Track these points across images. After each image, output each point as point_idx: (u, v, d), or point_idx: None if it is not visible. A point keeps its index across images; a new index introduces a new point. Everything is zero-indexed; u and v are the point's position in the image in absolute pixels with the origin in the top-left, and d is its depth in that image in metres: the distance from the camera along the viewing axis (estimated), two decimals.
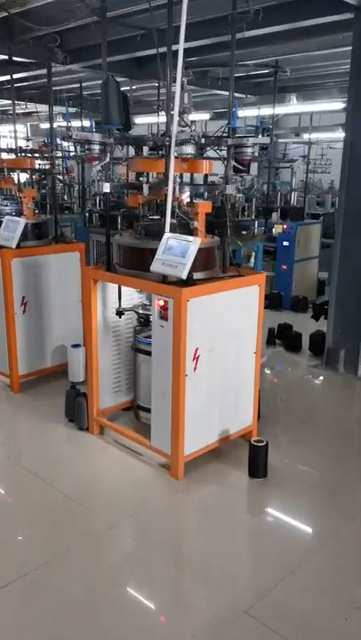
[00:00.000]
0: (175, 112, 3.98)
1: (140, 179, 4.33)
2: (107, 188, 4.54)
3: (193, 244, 4.08)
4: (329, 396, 6.45)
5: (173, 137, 4.03)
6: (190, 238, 4.16)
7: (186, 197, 4.45)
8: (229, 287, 4.53)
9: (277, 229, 9.47)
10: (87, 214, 9.65)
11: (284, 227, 9.57)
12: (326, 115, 11.41)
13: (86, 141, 4.31)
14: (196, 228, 4.46)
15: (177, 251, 4.15)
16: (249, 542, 3.97)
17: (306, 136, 11.86)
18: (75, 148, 7.83)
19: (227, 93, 10.67)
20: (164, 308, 4.26)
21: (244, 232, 7.68)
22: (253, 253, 8.38)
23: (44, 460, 4.83)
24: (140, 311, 4.90)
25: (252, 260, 8.51)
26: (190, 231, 4.51)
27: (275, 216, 9.87)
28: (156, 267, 4.21)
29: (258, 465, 4.51)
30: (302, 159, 11.09)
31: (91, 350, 5.04)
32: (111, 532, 3.87)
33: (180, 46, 3.94)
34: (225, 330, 4.58)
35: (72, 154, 9.14)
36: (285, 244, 9.68)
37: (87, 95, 11.52)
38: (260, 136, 4.42)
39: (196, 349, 4.35)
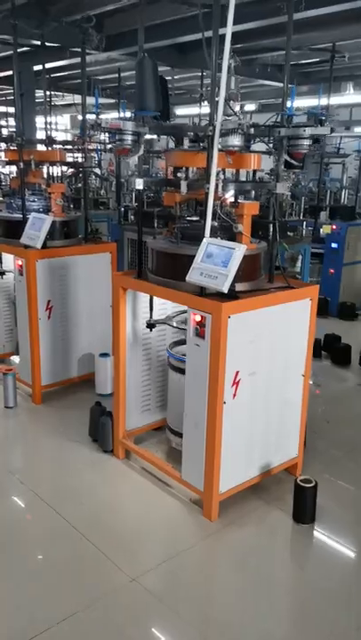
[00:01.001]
0: (221, 97, 3.38)
1: (178, 174, 3.75)
2: (139, 184, 3.98)
3: (237, 252, 3.49)
4: None
5: (218, 126, 3.44)
6: (234, 245, 3.57)
7: (229, 197, 3.85)
8: (277, 301, 3.92)
9: (326, 230, 8.76)
10: (122, 210, 9.12)
11: (334, 227, 8.85)
12: None
13: (117, 130, 3.75)
14: (241, 232, 3.86)
15: (218, 259, 3.56)
16: (292, 606, 3.36)
17: (358, 129, 11.05)
18: (109, 139, 7.31)
19: (275, 84, 10.00)
20: (201, 324, 3.69)
21: (290, 233, 7.02)
22: (300, 257, 7.71)
23: (61, 489, 4.32)
24: (175, 324, 4.33)
25: (299, 263, 7.83)
26: (233, 236, 3.92)
27: (323, 216, 9.16)
28: (193, 277, 3.63)
29: (304, 509, 3.89)
30: (355, 154, 10.30)
31: (118, 365, 4.50)
32: (133, 586, 3.33)
33: (230, 19, 3.35)
34: (270, 350, 3.97)
35: (108, 146, 8.63)
36: (334, 245, 8.96)
37: (127, 85, 11.00)
38: (318, 126, 3.68)
39: (237, 373, 3.76)
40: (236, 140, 3.48)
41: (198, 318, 3.70)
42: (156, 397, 4.89)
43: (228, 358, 3.65)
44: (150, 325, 4.42)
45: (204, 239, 3.66)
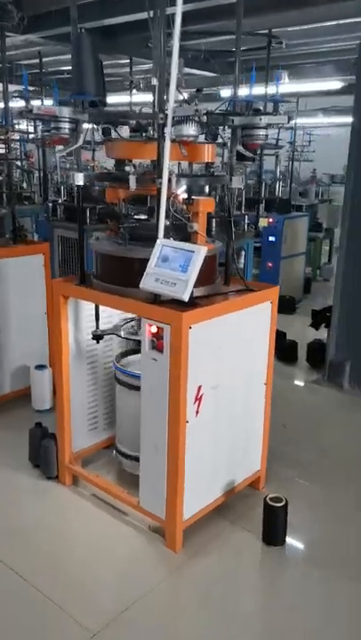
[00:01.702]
0: (172, 81, 2.98)
1: (127, 168, 3.31)
2: (79, 179, 3.51)
3: (197, 255, 3.11)
4: (340, 420, 5.55)
5: (170, 113, 3.03)
6: (193, 247, 3.19)
7: (182, 193, 3.46)
8: (238, 307, 3.58)
9: (263, 223, 8.55)
10: (50, 206, 8.51)
11: (270, 220, 8.66)
12: (310, 98, 10.52)
13: (52, 118, 3.26)
14: (196, 231, 3.48)
15: (175, 263, 3.17)
16: None
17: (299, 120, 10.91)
18: (34, 128, 6.70)
19: (206, 73, 9.65)
20: (158, 336, 3.28)
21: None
22: (243, 252, 7.44)
23: None
24: (124, 335, 3.90)
25: (242, 259, 7.57)
26: (187, 235, 3.54)
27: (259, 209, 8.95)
28: (147, 283, 3.22)
29: (275, 530, 3.60)
30: (289, 146, 10.18)
31: (61, 383, 4.02)
32: None
33: None
34: (232, 359, 3.63)
35: (31, 136, 8.00)
36: (271, 239, 8.77)
37: (49, 71, 10.31)
38: (276, 114, 3.34)
39: (199, 388, 3.40)
40: (191, 129, 3.08)
41: (154, 330, 3.30)
42: (104, 414, 4.45)
43: (190, 372, 3.28)
44: (97, 337, 3.97)
45: (158, 240, 3.26)
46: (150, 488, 3.58)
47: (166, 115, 3.06)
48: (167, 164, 3.12)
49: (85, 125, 3.54)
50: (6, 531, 3.74)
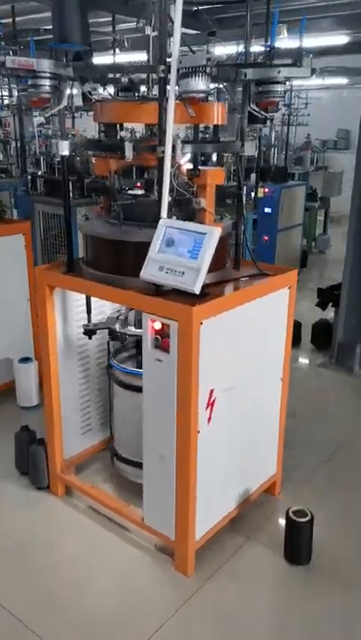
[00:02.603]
0: (177, 19, 2.42)
1: (122, 133, 2.77)
2: (64, 148, 2.95)
3: (210, 238, 2.60)
4: (353, 408, 5.13)
5: (175, 63, 2.48)
6: (203, 227, 2.68)
7: (186, 162, 2.93)
8: (254, 295, 3.09)
9: (259, 194, 8.00)
10: (29, 178, 7.87)
11: (266, 190, 8.10)
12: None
13: (29, 73, 2.68)
14: (204, 208, 2.97)
15: (183, 248, 2.66)
16: None
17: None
18: (9, 92, 6.01)
19: (188, 31, 8.92)
20: (163, 333, 2.79)
21: (228, 201, 6.16)
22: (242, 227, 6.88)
23: None
24: (119, 329, 3.39)
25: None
26: (191, 213, 3.03)
27: (252, 178, 8.39)
28: (149, 272, 2.72)
29: (298, 548, 3.18)
30: (285, 109, 9.56)
31: (49, 385, 3.52)
32: None
33: None
34: (247, 355, 3.16)
35: (5, 101, 7.29)
36: (268, 210, 8.22)
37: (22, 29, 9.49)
38: (299, 65, 2.79)
39: (212, 391, 2.93)
40: (201, 84, 2.53)
41: (158, 326, 2.80)
42: (98, 414, 3.97)
43: (202, 375, 2.80)
44: (89, 332, 3.46)
45: (161, 220, 2.74)
46: (156, 503, 3.14)
47: (169, 66, 2.51)
48: (171, 127, 2.58)
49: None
50: None
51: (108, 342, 3.59)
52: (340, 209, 11.90)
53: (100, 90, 3.01)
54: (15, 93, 6.38)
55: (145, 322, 2.85)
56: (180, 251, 2.66)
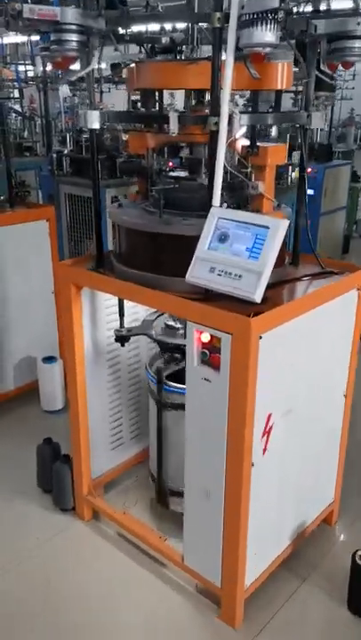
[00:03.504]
0: None
1: (167, 101, 2.24)
2: (94, 120, 2.43)
3: (275, 233, 2.08)
4: None
5: (236, 7, 1.94)
6: (266, 219, 2.15)
7: (242, 138, 2.40)
8: (320, 300, 2.55)
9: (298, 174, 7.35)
10: (55, 157, 7.35)
11: (309, 171, 7.45)
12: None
13: (52, 26, 2.16)
14: (262, 194, 2.44)
15: (239, 244, 2.15)
16: None
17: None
18: (31, 58, 5.45)
19: None
20: (213, 348, 2.29)
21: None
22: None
23: None
24: (157, 336, 2.90)
25: None
26: (242, 199, 2.51)
27: (294, 156, 7.74)
28: (197, 274, 2.21)
29: None
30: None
31: (75, 395, 3.06)
32: None
33: None
34: (308, 371, 2.64)
35: (30, 74, 6.77)
36: (310, 192, 7.58)
37: None
38: None
39: (269, 416, 2.43)
40: (269, 34, 1.97)
41: (207, 338, 2.30)
42: (130, 426, 3.52)
43: (259, 397, 2.30)
44: (121, 339, 2.98)
45: (212, 209, 2.23)
46: (198, 543, 2.68)
47: (227, 13, 1.97)
48: (228, 92, 2.05)
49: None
50: (6, 589, 2.87)
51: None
52: None
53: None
54: (39, 61, 5.85)
55: (190, 333, 2.35)
56: (236, 248, 2.14)
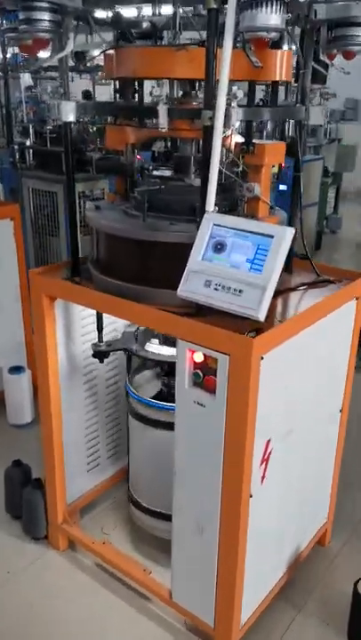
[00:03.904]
0: None
1: (155, 91, 1.97)
2: (69, 112, 2.14)
3: (279, 242, 1.85)
4: None
5: None
6: (268, 227, 1.91)
7: (235, 134, 2.15)
8: (321, 314, 2.34)
9: (273, 170, 7.15)
10: (16, 149, 6.94)
11: (283, 165, 7.27)
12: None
13: (22, 2, 1.87)
14: (258, 197, 2.21)
15: (239, 255, 1.91)
16: None
17: None
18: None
19: None
20: (207, 369, 2.05)
21: None
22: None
23: None
24: (140, 352, 2.64)
25: None
26: (233, 202, 2.28)
27: None
28: (192, 290, 1.96)
29: None
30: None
31: (50, 416, 2.78)
32: None
33: None
34: (306, 389, 2.43)
35: None
36: (283, 188, 7.40)
37: None
38: None
39: (268, 442, 2.20)
40: (274, 17, 1.72)
41: (200, 358, 2.06)
42: (107, 445, 3.25)
43: (258, 422, 2.07)
44: (100, 354, 2.71)
45: (207, 215, 1.98)
46: (189, 579, 2.44)
47: None
48: (226, 82, 1.80)
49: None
50: None
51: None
52: (350, 185, 11.16)
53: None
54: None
55: (181, 352, 2.10)
56: (235, 259, 1.90)
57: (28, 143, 6.65)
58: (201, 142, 2.38)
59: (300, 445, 2.48)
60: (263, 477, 2.24)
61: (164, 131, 1.95)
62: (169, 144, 2.75)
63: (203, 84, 1.94)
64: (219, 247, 1.93)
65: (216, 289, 1.90)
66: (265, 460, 2.21)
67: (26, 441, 3.77)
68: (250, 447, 2.07)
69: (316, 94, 2.82)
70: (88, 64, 6.50)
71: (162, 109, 1.91)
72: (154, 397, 2.67)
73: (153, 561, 2.84)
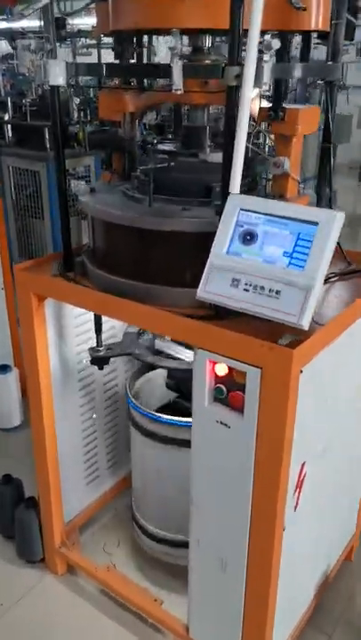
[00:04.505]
0: None
1: (170, 43, 1.58)
2: (59, 74, 1.74)
3: (327, 230, 1.49)
4: None
5: None
6: (310, 211, 1.55)
7: (257, 98, 1.78)
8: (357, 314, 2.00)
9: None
10: None
11: None
12: None
13: None
14: (288, 174, 1.84)
15: (273, 246, 1.55)
16: None
17: None
18: None
19: None
20: (232, 383, 1.71)
21: None
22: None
23: None
24: (144, 356, 2.28)
25: None
26: (254, 180, 1.92)
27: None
28: (215, 290, 1.61)
29: None
30: None
31: (42, 428, 2.43)
32: None
33: None
34: (340, 399, 2.10)
35: None
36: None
37: None
38: None
39: (303, 466, 1.88)
40: None
41: (224, 371, 1.72)
42: (106, 455, 2.92)
43: (295, 444, 1.74)
44: (99, 361, 2.35)
45: (231, 198, 1.61)
46: (209, 616, 2.13)
47: None
48: (258, 28, 1.42)
49: None
50: None
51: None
52: (344, 158, 10.77)
53: None
54: None
55: (199, 363, 1.75)
56: (269, 252, 1.55)
57: (6, 118, 6.17)
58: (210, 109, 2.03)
59: (334, 462, 2.17)
60: (296, 505, 1.92)
61: (179, 93, 1.57)
62: (160, 115, 2.38)
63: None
64: (248, 238, 1.58)
65: (246, 289, 1.55)
66: (299, 486, 1.89)
67: (15, 446, 3.46)
68: (285, 473, 1.75)
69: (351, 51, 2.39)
70: (69, 27, 6.00)
71: (177, 66, 1.53)
72: (162, 408, 2.33)
73: (163, 588, 2.54)
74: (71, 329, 2.42)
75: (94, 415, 2.72)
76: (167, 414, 2.24)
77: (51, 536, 2.63)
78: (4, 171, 5.81)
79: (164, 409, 2.37)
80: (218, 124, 2.12)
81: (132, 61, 2.05)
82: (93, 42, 6.51)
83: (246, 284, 1.55)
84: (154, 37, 2.85)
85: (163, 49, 1.91)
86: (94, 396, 2.71)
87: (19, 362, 3.68)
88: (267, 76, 1.51)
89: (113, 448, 2.94)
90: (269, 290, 1.52)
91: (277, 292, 1.51)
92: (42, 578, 2.70)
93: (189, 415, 1.89)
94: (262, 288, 1.53)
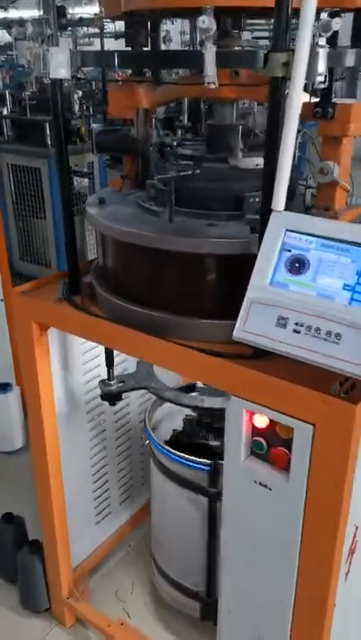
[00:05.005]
0: None
1: (203, 19, 1.28)
2: (60, 65, 1.44)
3: None
4: None
5: None
6: None
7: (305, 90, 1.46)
8: None
9: None
10: None
11: None
12: None
13: None
14: (337, 182, 1.53)
15: (330, 281, 1.24)
16: None
17: None
18: None
19: None
20: (275, 438, 1.41)
21: None
22: None
23: None
24: (162, 392, 1.98)
25: None
26: (292, 187, 1.62)
27: None
28: (256, 330, 1.30)
29: None
30: None
31: (47, 466, 2.14)
32: None
33: None
34: None
35: None
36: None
37: None
38: None
39: (356, 530, 1.58)
40: None
41: (264, 422, 1.42)
42: (118, 489, 2.63)
43: (351, 508, 1.45)
44: (110, 397, 2.05)
45: (275, 216, 1.30)
46: None
47: None
48: (314, 6, 1.11)
49: None
50: None
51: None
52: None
53: None
54: None
55: (234, 412, 1.46)
56: (325, 284, 1.24)
57: (5, 112, 5.85)
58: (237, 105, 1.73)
59: None
60: (348, 572, 1.63)
61: (213, 87, 1.26)
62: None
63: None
64: (297, 265, 1.27)
65: (297, 331, 1.24)
66: (352, 552, 1.60)
67: (16, 471, 3.18)
68: (340, 543, 1.46)
69: None
70: (69, 16, 5.67)
71: (209, 52, 1.22)
72: (185, 447, 2.03)
73: (182, 635, 2.26)
74: (79, 357, 2.12)
75: (105, 449, 2.43)
76: (192, 448, 1.95)
77: (57, 585, 2.35)
78: (3, 168, 5.52)
79: (189, 445, 2.06)
80: (247, 120, 1.81)
81: (146, 49, 1.75)
82: (96, 31, 6.15)
83: (297, 324, 1.25)
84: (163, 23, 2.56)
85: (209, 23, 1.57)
86: (105, 428, 2.42)
87: (20, 379, 3.39)
88: (322, 66, 1.20)
89: (126, 481, 2.66)
90: (327, 332, 1.22)
91: (337, 336, 1.21)
92: (48, 630, 2.42)
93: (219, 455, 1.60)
94: (318, 330, 1.22)
